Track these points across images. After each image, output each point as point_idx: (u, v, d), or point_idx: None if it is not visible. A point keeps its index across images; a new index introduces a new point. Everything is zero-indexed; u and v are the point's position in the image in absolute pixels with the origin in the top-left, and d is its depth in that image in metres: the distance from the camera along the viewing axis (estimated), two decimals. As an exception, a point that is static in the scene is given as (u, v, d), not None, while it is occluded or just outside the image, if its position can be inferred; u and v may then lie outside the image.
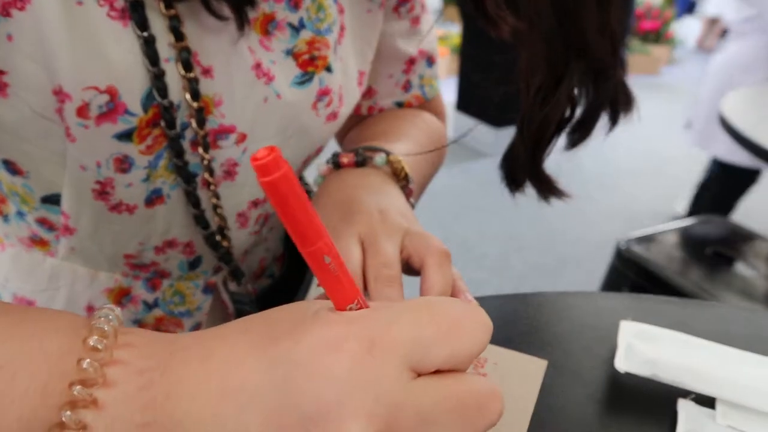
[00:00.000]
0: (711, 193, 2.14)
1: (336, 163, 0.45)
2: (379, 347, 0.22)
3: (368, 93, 0.56)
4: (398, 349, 0.22)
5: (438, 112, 0.61)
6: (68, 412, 0.21)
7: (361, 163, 0.45)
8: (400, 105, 0.57)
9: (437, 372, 0.23)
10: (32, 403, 0.21)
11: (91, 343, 0.22)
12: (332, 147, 0.55)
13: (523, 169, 0.45)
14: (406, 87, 0.56)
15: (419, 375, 0.22)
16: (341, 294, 0.23)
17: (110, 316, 0.24)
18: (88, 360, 0.22)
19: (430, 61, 0.56)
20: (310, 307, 0.24)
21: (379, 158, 0.44)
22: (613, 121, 0.44)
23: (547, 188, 0.46)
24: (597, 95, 0.42)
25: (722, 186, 2.10)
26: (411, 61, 0.55)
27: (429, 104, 0.59)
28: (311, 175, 0.52)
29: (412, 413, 0.21)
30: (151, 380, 0.22)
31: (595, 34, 0.39)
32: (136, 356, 0.23)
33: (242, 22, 0.36)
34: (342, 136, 0.60)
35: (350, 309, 0.24)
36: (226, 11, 0.35)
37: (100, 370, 0.22)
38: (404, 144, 0.49)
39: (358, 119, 0.57)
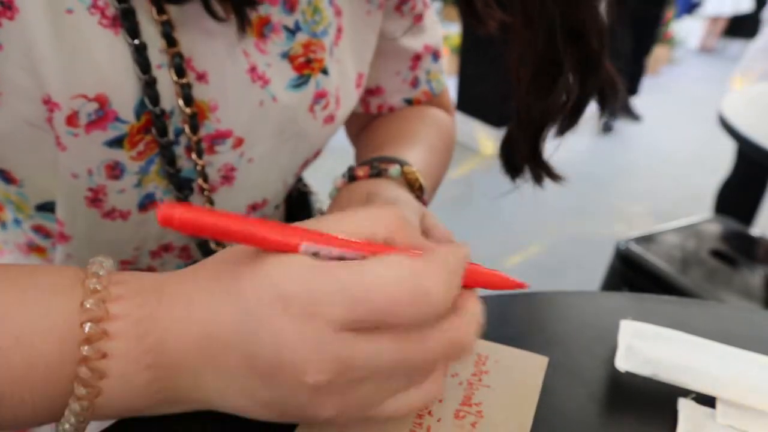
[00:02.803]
0: (734, 190, 2.11)
1: (351, 177, 0.45)
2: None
3: (377, 91, 0.56)
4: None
5: (446, 107, 0.61)
6: (86, 347, 0.24)
7: (376, 175, 0.45)
8: (409, 102, 0.57)
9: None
10: (51, 350, 0.24)
11: (86, 318, 0.24)
12: (332, 148, 0.55)
13: (523, 157, 0.47)
14: (414, 83, 0.56)
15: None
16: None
17: (101, 272, 0.26)
18: (89, 323, 0.24)
19: (436, 56, 0.57)
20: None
21: (394, 170, 0.44)
22: (602, 109, 0.46)
23: (545, 172, 0.48)
24: (585, 84, 0.44)
25: (745, 183, 2.07)
26: (417, 58, 0.55)
27: (437, 99, 0.59)
28: (322, 185, 0.52)
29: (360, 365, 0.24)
30: (146, 330, 0.25)
31: (590, 23, 0.40)
32: (131, 307, 0.25)
33: (243, 23, 0.36)
34: (354, 134, 0.60)
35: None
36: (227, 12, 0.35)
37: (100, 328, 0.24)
38: (418, 150, 0.49)
39: (368, 118, 0.58)
